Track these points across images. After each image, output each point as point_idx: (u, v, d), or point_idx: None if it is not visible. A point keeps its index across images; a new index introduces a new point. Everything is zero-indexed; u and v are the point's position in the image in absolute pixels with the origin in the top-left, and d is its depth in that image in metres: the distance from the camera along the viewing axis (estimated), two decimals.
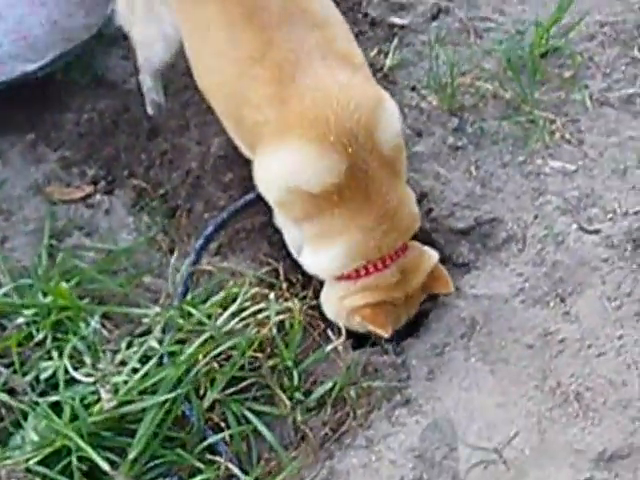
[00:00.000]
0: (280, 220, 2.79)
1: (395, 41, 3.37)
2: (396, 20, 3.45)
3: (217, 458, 2.57)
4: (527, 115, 3.17)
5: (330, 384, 2.67)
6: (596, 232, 2.86)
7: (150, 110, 3.17)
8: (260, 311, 2.70)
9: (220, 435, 2.55)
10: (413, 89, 3.26)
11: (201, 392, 2.60)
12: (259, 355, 2.65)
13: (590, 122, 3.16)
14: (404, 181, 2.66)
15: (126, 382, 2.49)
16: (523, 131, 3.14)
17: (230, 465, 2.56)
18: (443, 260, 2.95)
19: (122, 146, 3.13)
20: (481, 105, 3.21)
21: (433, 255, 2.74)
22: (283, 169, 2.51)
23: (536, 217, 2.92)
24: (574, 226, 2.89)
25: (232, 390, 2.62)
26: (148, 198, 3.04)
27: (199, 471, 2.52)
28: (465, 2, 3.52)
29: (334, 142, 2.41)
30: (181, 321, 2.69)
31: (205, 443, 2.54)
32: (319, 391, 2.67)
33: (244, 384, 2.64)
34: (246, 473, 2.56)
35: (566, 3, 3.30)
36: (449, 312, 2.80)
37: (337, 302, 2.71)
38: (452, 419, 2.62)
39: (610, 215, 2.90)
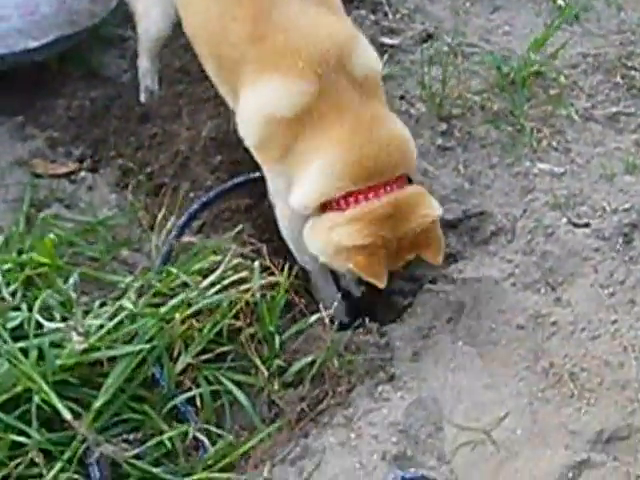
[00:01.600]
0: (268, 177, 2.43)
1: (386, 57, 3.10)
2: (387, 40, 3.20)
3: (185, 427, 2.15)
4: (514, 125, 2.88)
5: (310, 358, 2.27)
6: (586, 225, 2.55)
7: (143, 97, 2.88)
8: (243, 281, 2.32)
9: (186, 395, 2.14)
10: (402, 98, 2.99)
11: (175, 354, 2.19)
12: (239, 323, 2.26)
13: (576, 134, 2.88)
14: (383, 104, 2.37)
15: (99, 327, 2.09)
16: (510, 139, 2.85)
17: (197, 434, 2.14)
18: None
19: (111, 129, 2.81)
20: (469, 115, 2.93)
21: (436, 206, 2.29)
22: (259, 102, 2.27)
23: (525, 211, 2.61)
24: (564, 220, 2.57)
25: (207, 356, 2.22)
26: (133, 177, 2.69)
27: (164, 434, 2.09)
28: (452, 30, 3.27)
29: (304, 68, 2.20)
30: (158, 285, 2.30)
31: (170, 404, 2.14)
32: (298, 364, 2.27)
33: (220, 350, 2.24)
34: (213, 443, 2.14)
35: (551, 31, 3.07)
36: (435, 296, 2.44)
37: (324, 234, 2.26)
38: (438, 399, 2.23)
39: (599, 213, 2.59)
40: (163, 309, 2.17)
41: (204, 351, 2.22)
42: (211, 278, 2.30)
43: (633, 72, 3.16)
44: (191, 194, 2.62)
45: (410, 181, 2.33)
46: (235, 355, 2.25)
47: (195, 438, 2.15)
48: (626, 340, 2.23)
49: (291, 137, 2.23)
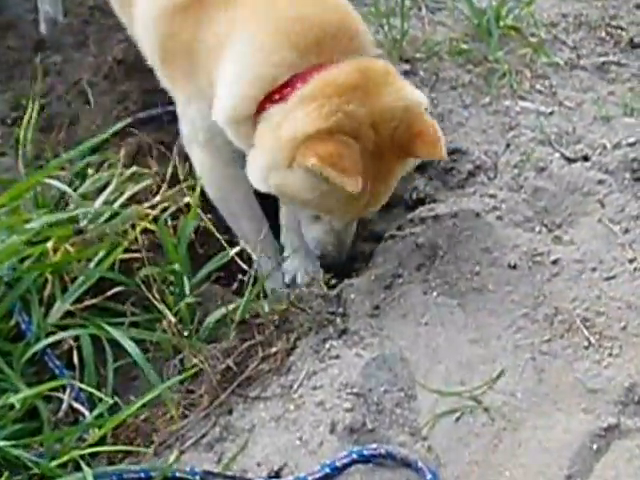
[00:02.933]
0: (180, 110, 1.80)
1: None
2: None
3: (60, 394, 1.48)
4: (489, 70, 2.33)
5: (232, 307, 1.62)
6: (585, 159, 1.97)
7: (43, 27, 2.29)
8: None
9: (52, 339, 1.49)
10: None
11: (47, 294, 1.54)
12: (137, 255, 1.62)
13: (562, 80, 2.33)
14: None
15: None
16: (484, 81, 2.30)
17: (76, 404, 1.47)
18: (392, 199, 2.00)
19: (3, 61, 2.19)
20: (435, 59, 2.37)
21: (419, 95, 1.60)
22: None
23: (508, 146, 2.02)
24: (556, 155, 1.99)
25: (93, 301, 1.58)
26: (23, 112, 2.06)
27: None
28: None
29: None
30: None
31: (30, 352, 1.49)
32: (216, 315, 1.62)
33: (110, 293, 1.59)
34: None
35: None
36: (401, 240, 1.81)
37: (270, 139, 1.51)
38: (407, 358, 1.59)
39: (599, 150, 2.01)
40: (29, 225, 1.52)
41: (89, 292, 1.57)
42: (105, 193, 1.67)
43: (620, 30, 2.65)
44: (93, 127, 2.01)
45: None
46: (133, 298, 1.61)
47: (73, 409, 1.49)
48: None
49: (201, 23, 1.57)
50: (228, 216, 1.81)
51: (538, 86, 2.29)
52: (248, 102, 1.54)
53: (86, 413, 1.44)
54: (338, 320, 1.64)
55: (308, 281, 1.75)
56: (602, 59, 2.45)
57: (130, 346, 1.48)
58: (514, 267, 1.68)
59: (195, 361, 1.54)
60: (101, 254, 1.55)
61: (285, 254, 1.86)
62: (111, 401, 1.44)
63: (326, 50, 1.53)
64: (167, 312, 1.55)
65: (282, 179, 1.53)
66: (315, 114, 1.44)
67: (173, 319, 1.54)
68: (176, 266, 1.58)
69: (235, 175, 1.71)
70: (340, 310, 1.69)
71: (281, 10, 1.55)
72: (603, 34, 2.60)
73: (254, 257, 1.74)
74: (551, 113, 2.17)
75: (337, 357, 1.54)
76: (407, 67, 2.30)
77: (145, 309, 1.62)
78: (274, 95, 1.52)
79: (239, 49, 1.54)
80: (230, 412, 1.54)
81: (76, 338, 1.53)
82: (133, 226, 1.63)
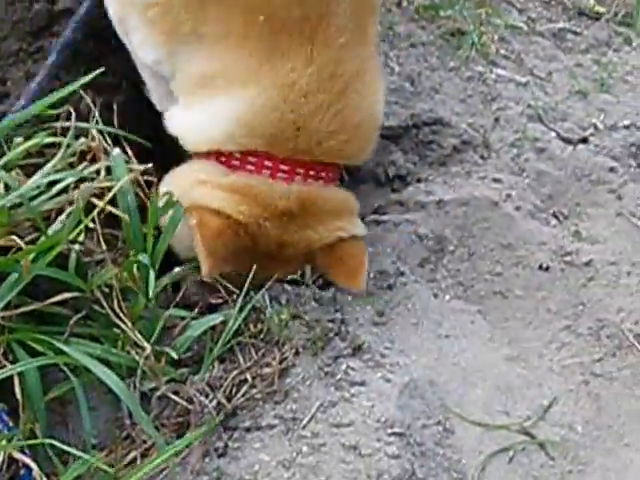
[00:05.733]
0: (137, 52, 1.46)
1: None
2: None
3: None
4: (443, 26, 2.12)
5: (218, 318, 1.30)
6: (584, 141, 1.80)
7: None
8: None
9: None
10: None
11: None
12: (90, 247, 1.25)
13: (523, 47, 2.17)
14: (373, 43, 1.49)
15: None
16: (444, 40, 2.08)
17: (21, 456, 1.11)
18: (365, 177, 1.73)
19: None
20: (382, 10, 2.12)
21: (359, 224, 1.48)
22: None
23: (497, 120, 1.81)
24: (552, 134, 1.81)
25: (31, 307, 1.19)
26: None
27: None
28: None
29: None
30: None
31: None
32: (196, 328, 1.29)
33: (55, 300, 1.21)
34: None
35: None
36: (393, 229, 1.56)
37: (187, 183, 1.40)
38: (435, 381, 1.34)
39: (590, 130, 1.86)
40: None
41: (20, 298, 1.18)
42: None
43: None
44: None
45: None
46: (84, 305, 1.23)
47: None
48: None
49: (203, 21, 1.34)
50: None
51: (503, 51, 2.12)
52: (205, 140, 1.41)
53: (34, 470, 1.07)
54: (343, 330, 1.36)
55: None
56: (555, 25, 2.33)
57: (117, 387, 1.10)
58: (546, 269, 1.48)
59: (178, 399, 1.21)
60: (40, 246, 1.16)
61: None
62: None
63: (313, 152, 1.38)
64: (128, 332, 1.19)
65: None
66: (228, 200, 1.36)
67: (148, 346, 1.18)
68: (142, 257, 1.22)
69: None
70: (337, 315, 1.41)
71: (298, 84, 1.35)
72: None
73: None
74: (526, 84, 2.00)
75: (362, 384, 1.26)
76: None
77: (87, 318, 1.25)
78: (229, 155, 1.40)
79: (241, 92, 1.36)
80: (221, 454, 1.22)
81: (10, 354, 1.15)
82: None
